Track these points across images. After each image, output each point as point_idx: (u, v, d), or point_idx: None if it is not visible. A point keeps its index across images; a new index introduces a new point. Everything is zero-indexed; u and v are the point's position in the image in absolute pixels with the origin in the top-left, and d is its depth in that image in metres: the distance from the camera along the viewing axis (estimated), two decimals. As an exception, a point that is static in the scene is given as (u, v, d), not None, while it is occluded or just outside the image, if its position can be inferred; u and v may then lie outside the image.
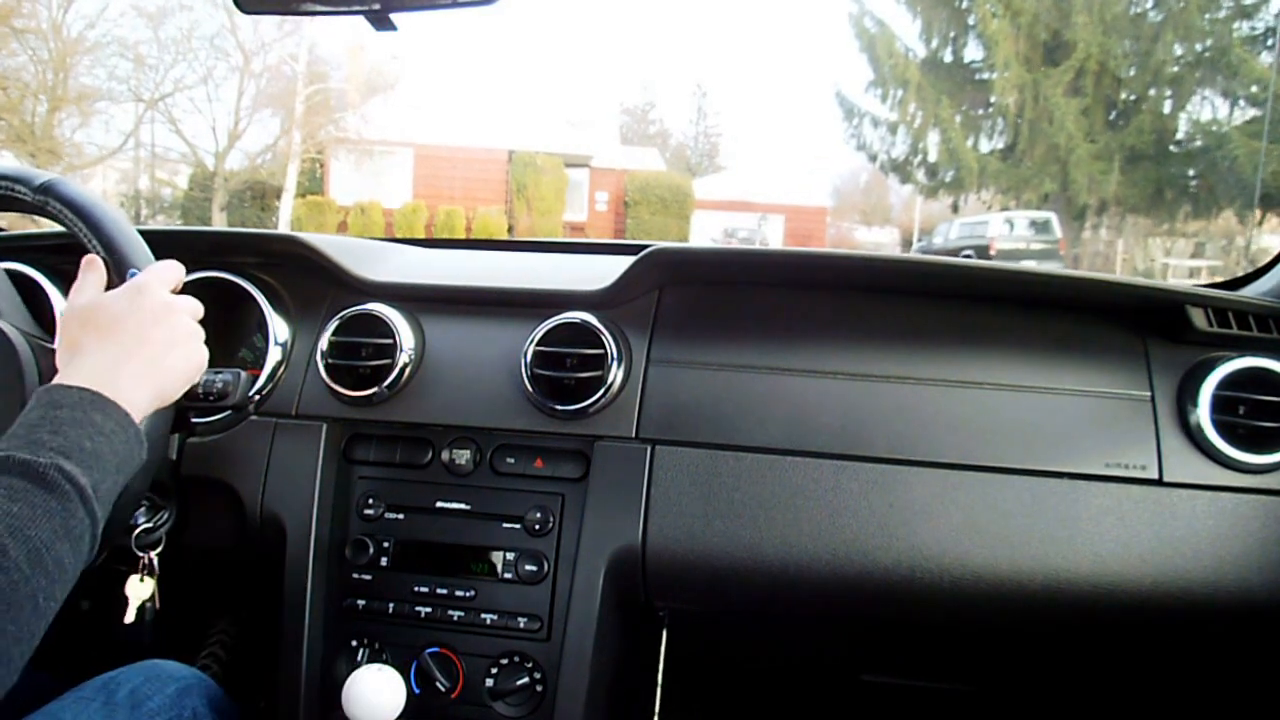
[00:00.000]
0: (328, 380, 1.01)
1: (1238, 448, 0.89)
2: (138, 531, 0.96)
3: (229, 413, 1.03)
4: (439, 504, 0.99)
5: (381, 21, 0.90)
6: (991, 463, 0.91)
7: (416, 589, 0.98)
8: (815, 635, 1.36)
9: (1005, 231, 12.98)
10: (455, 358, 1.02)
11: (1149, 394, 0.92)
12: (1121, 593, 0.88)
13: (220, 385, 0.92)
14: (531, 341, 0.98)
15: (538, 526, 0.97)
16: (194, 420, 1.02)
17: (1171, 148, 12.99)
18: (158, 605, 0.94)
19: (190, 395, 0.91)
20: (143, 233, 0.83)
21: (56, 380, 0.64)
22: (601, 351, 0.96)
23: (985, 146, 14.92)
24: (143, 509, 0.99)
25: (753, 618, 1.30)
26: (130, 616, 0.92)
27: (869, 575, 0.91)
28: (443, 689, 0.94)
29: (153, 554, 0.95)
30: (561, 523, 0.97)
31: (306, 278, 1.09)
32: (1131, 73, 12.96)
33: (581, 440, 0.97)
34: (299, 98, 13.84)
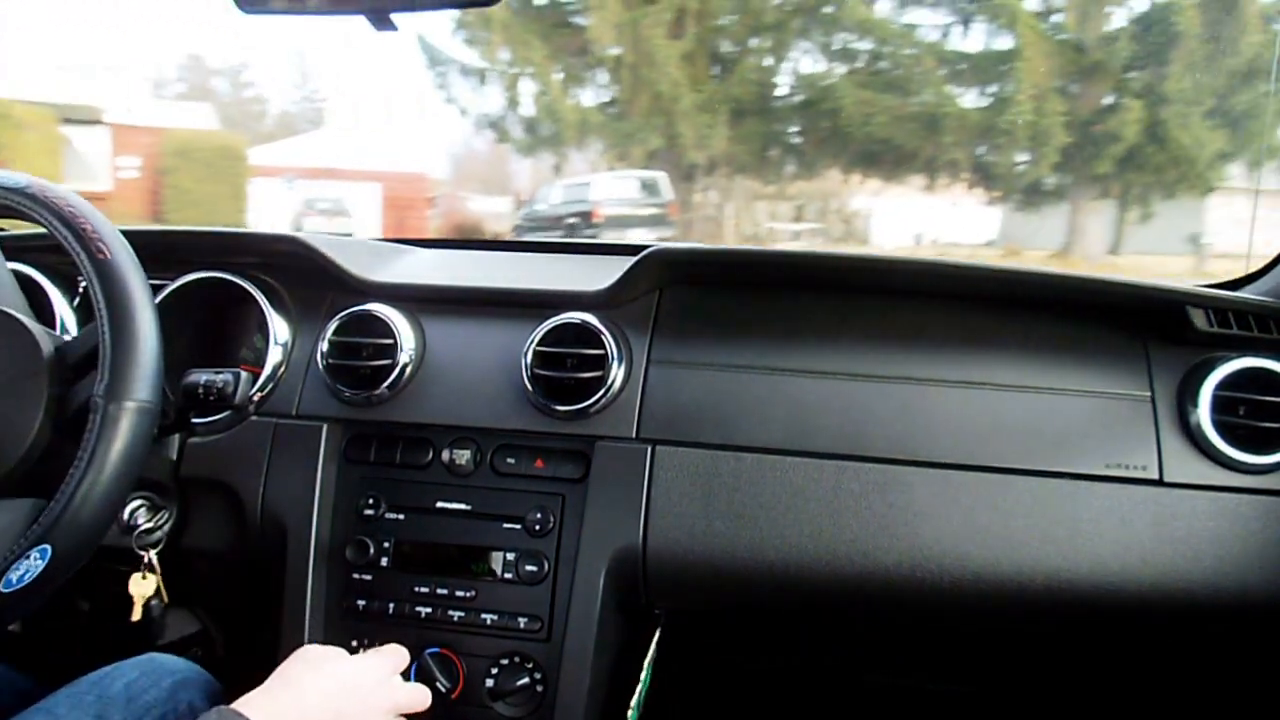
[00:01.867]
0: (328, 380, 1.01)
1: (1238, 448, 0.89)
2: (138, 532, 0.96)
3: (229, 413, 1.03)
4: (439, 504, 0.99)
5: (382, 21, 0.90)
6: (992, 463, 0.91)
7: (417, 589, 0.98)
8: (816, 636, 1.36)
9: (611, 194, 11.32)
10: (456, 358, 1.02)
11: (1149, 394, 0.92)
12: (1122, 593, 0.88)
13: (220, 385, 0.92)
14: (532, 342, 0.98)
15: (538, 527, 0.97)
16: (194, 421, 1.02)
17: (775, 101, 11.83)
18: (164, 599, 0.95)
19: (190, 395, 0.91)
20: (144, 233, 0.84)
21: (247, 701, 0.67)
22: (602, 352, 0.96)
23: (589, 98, 12.79)
24: (143, 509, 0.99)
25: (753, 618, 1.30)
26: (137, 614, 0.93)
27: (870, 576, 0.91)
28: (443, 689, 0.94)
29: (152, 552, 0.95)
30: (562, 523, 0.97)
31: (307, 278, 1.09)
32: (732, 17, 11.69)
33: (582, 440, 0.97)
34: None
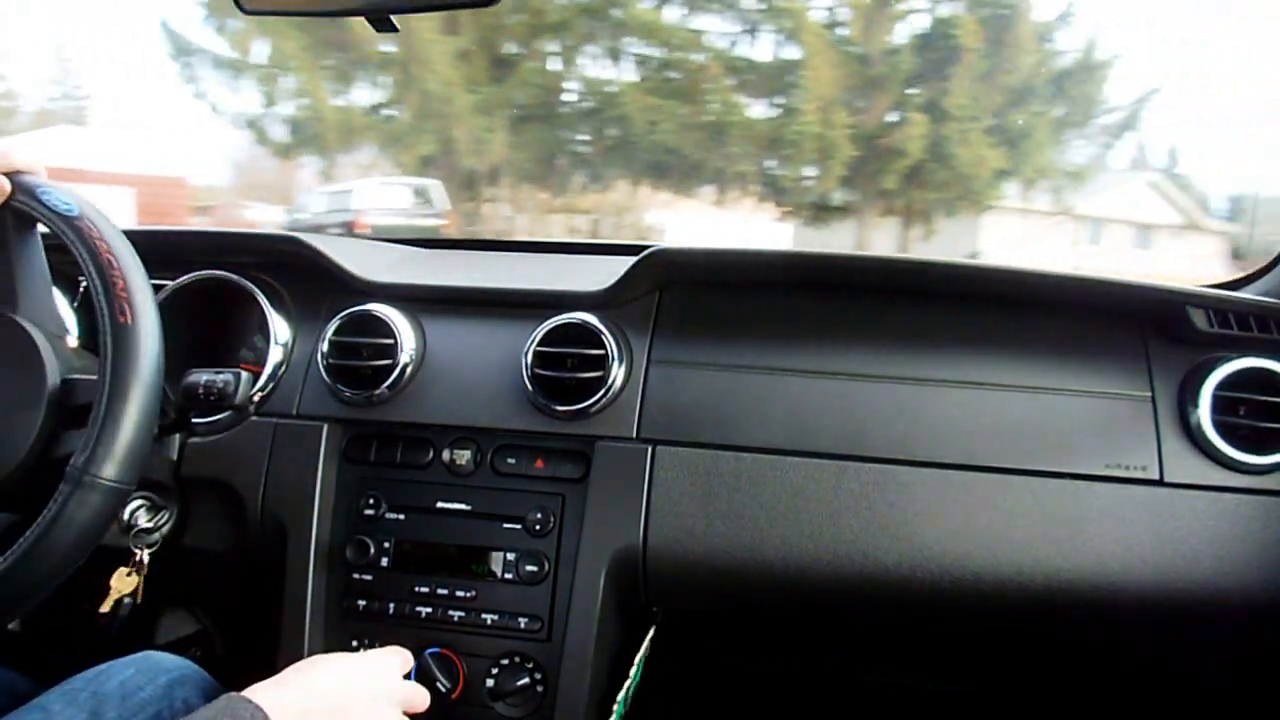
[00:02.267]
0: (328, 380, 1.01)
1: (1238, 448, 0.89)
2: (136, 531, 0.96)
3: (230, 413, 1.03)
4: (439, 504, 0.99)
5: (381, 22, 0.90)
6: (992, 463, 0.91)
7: (417, 589, 0.98)
8: (816, 636, 1.36)
9: (378, 202, 10.38)
10: (456, 358, 1.02)
11: (1149, 394, 0.92)
12: (1122, 593, 0.88)
13: (221, 385, 0.92)
14: (532, 342, 0.98)
15: (538, 527, 0.97)
16: (194, 421, 1.02)
17: (561, 107, 10.86)
18: (137, 601, 0.94)
19: (191, 395, 0.91)
20: (145, 233, 0.84)
21: (255, 690, 0.68)
22: (602, 352, 0.96)
23: (358, 97, 11.52)
24: (143, 509, 0.99)
25: (753, 618, 1.30)
26: (106, 607, 0.92)
27: (870, 575, 0.91)
28: (443, 689, 0.94)
29: (146, 553, 0.95)
30: (562, 523, 0.97)
31: (307, 278, 1.09)
32: (513, 15, 10.54)
33: (582, 440, 0.97)
34: None
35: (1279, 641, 0.96)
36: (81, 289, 1.12)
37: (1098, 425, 0.91)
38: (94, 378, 0.74)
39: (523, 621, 0.96)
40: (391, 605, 0.98)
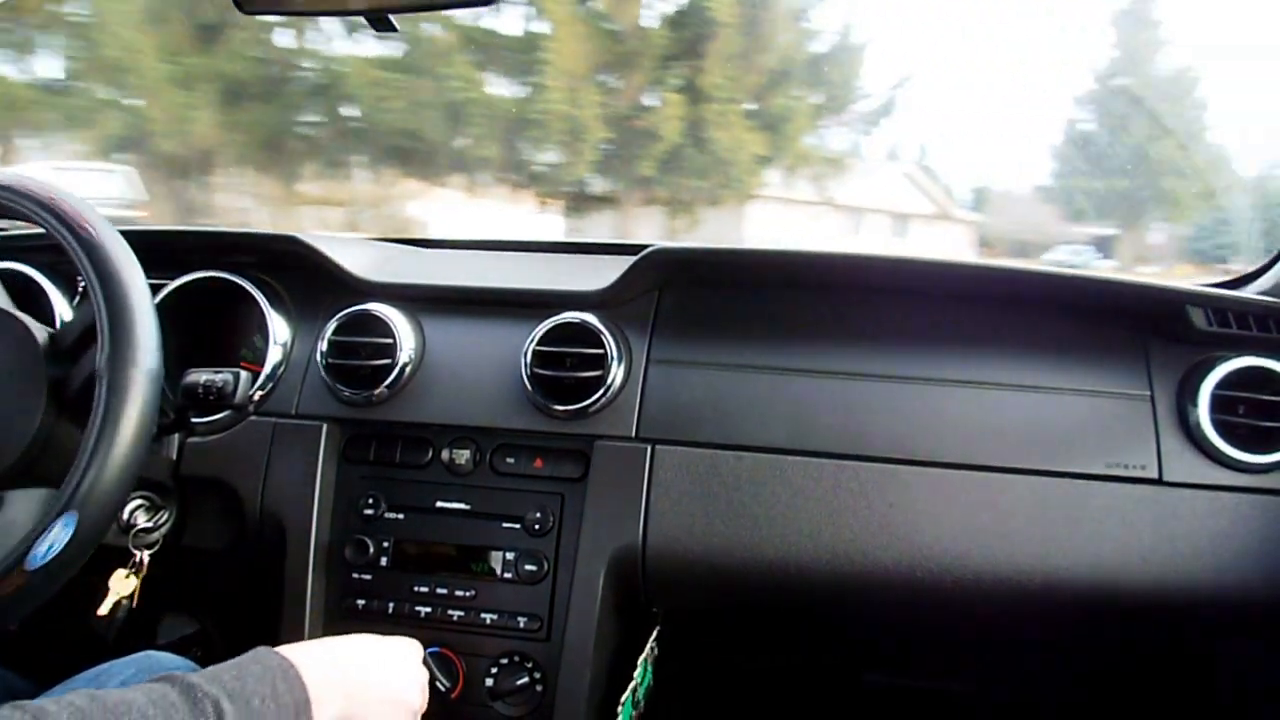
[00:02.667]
0: (328, 380, 1.01)
1: (1237, 447, 0.89)
2: (136, 530, 0.96)
3: (229, 412, 1.03)
4: (439, 504, 0.99)
5: (381, 22, 0.90)
6: (992, 462, 0.91)
7: (416, 589, 0.98)
8: (815, 635, 1.36)
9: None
10: (455, 358, 1.02)
11: (1149, 393, 0.92)
12: (1122, 592, 0.88)
13: (220, 385, 0.92)
14: (531, 341, 0.98)
15: (537, 526, 0.97)
16: (194, 420, 1.02)
17: (287, 84, 8.89)
18: (134, 604, 0.94)
19: (190, 395, 0.91)
20: (144, 233, 0.84)
21: (283, 647, 0.67)
22: (602, 351, 0.96)
23: (31, 67, 8.84)
24: (142, 509, 0.99)
25: (752, 618, 1.30)
26: (104, 609, 0.92)
27: (869, 575, 0.91)
28: (443, 689, 0.94)
29: (145, 554, 0.95)
30: (561, 523, 0.97)
31: (306, 278, 1.09)
32: None
33: (581, 440, 0.97)
34: None
35: (1279, 640, 0.96)
36: (81, 287, 1.12)
37: (1097, 424, 0.91)
38: (83, 313, 0.75)
39: (522, 621, 0.96)
40: (391, 605, 0.98)
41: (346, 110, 8.53)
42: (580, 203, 8.99)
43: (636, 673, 1.00)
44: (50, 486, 0.72)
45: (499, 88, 8.72)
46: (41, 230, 0.78)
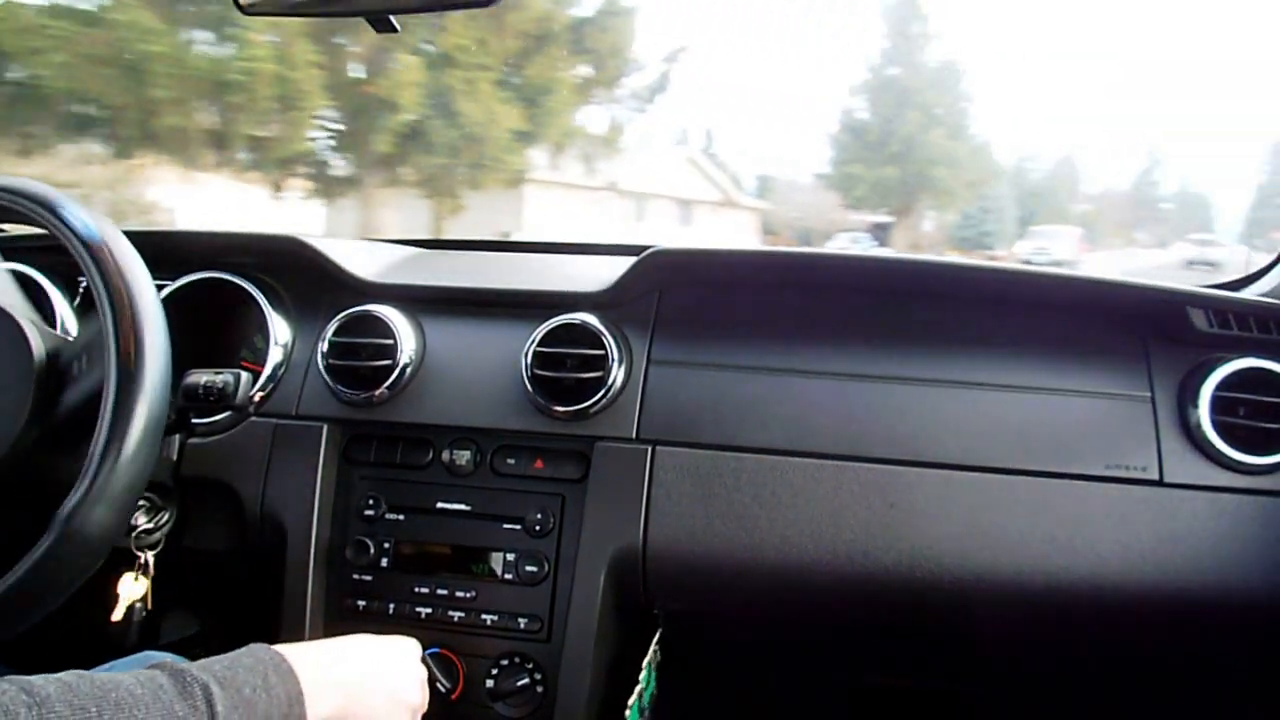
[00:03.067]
0: (328, 381, 1.01)
1: (1238, 449, 0.89)
2: (137, 532, 0.96)
3: (229, 413, 1.03)
4: (439, 505, 0.99)
5: (381, 22, 0.90)
6: (992, 463, 0.91)
7: (417, 589, 0.98)
8: (816, 637, 1.36)
9: None
10: (455, 359, 1.02)
11: (1149, 395, 0.92)
12: (1122, 593, 0.88)
13: (221, 385, 0.92)
14: (532, 342, 0.98)
15: (538, 527, 0.97)
16: (194, 421, 1.02)
17: None
18: (148, 606, 0.94)
19: (191, 395, 0.91)
20: (144, 233, 0.84)
21: (281, 645, 0.66)
22: (602, 352, 0.96)
23: None
24: (143, 509, 0.99)
25: (752, 619, 1.30)
26: (118, 615, 0.92)
27: (870, 576, 0.91)
28: (443, 689, 0.94)
29: (150, 555, 0.95)
30: (562, 524, 0.97)
31: (307, 278, 1.09)
32: None
33: (582, 441, 0.97)
34: None
35: (1279, 641, 0.96)
36: (82, 289, 1.12)
37: (1097, 425, 0.91)
38: (90, 326, 0.73)
39: (522, 622, 0.96)
40: (391, 605, 0.98)
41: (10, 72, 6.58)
42: (320, 184, 7.71)
43: (641, 677, 1.00)
44: (22, 510, 0.71)
45: (197, 44, 6.89)
46: (43, 231, 0.77)
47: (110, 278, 0.73)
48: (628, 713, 0.96)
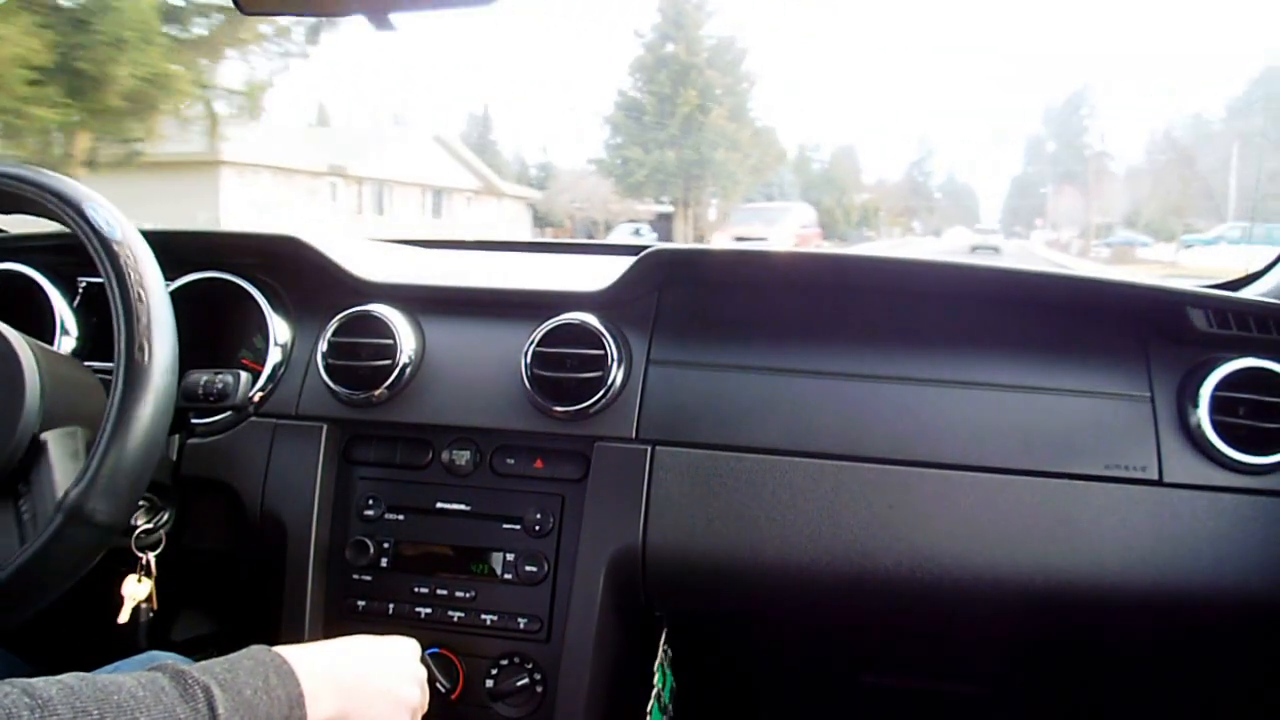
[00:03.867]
0: (328, 381, 1.01)
1: (1237, 449, 0.89)
2: (137, 532, 0.96)
3: (229, 413, 1.03)
4: (439, 505, 0.99)
5: (381, 22, 0.90)
6: (992, 463, 0.91)
7: (416, 589, 0.98)
8: (815, 636, 1.36)
9: None
10: (455, 359, 1.02)
11: (1149, 395, 0.92)
12: (1122, 593, 0.88)
13: (220, 385, 0.92)
14: (531, 342, 0.98)
15: (537, 527, 0.97)
16: (194, 421, 1.02)
17: None
18: (154, 607, 0.94)
19: (190, 395, 0.91)
20: (144, 233, 0.83)
21: (281, 647, 0.66)
22: (602, 352, 0.96)
23: None
24: (143, 509, 0.99)
25: (752, 619, 1.30)
26: (124, 617, 0.92)
27: (869, 576, 0.91)
28: (443, 690, 0.94)
29: (151, 555, 0.95)
30: (561, 524, 0.97)
31: (307, 278, 1.09)
32: None
33: (581, 441, 0.97)
34: None
35: (1279, 641, 0.96)
36: (81, 289, 1.12)
37: (1097, 425, 0.91)
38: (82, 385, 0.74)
39: (522, 622, 0.96)
40: (391, 606, 0.98)
41: None
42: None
43: (655, 678, 1.00)
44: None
45: None
46: (49, 230, 0.77)
47: (125, 275, 0.74)
48: (648, 715, 0.96)
